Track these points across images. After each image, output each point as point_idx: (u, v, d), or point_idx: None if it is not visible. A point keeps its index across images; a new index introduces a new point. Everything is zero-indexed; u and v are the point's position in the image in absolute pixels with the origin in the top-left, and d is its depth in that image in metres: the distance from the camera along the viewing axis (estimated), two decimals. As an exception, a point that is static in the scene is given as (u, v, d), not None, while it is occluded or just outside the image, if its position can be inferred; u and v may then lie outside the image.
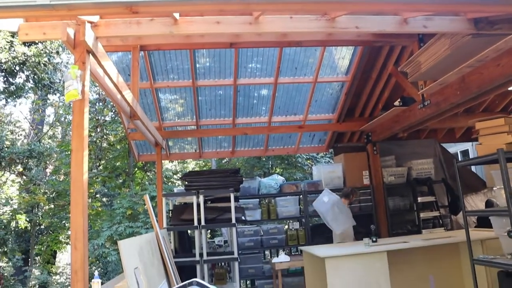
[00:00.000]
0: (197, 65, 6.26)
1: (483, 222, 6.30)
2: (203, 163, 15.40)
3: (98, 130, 13.24)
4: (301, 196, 7.41)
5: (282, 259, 6.53)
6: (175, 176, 15.02)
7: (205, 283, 1.71)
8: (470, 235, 4.34)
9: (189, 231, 6.62)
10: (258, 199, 7.46)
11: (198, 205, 5.38)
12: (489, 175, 7.01)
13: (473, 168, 9.39)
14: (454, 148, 10.53)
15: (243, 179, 6.70)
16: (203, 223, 5.34)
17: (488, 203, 7.11)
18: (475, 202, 7.71)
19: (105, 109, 13.31)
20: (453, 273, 5.44)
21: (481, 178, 8.37)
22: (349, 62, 6.51)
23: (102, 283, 3.61)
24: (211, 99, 6.93)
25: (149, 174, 14.37)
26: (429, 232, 6.19)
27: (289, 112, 7.38)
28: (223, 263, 6.62)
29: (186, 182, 5.96)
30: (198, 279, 1.72)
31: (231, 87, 6.60)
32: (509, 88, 6.19)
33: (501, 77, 4.21)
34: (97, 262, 12.25)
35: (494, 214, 4.31)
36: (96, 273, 3.53)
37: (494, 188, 4.20)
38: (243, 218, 5.95)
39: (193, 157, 10.86)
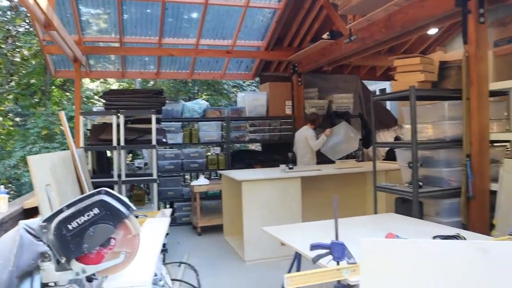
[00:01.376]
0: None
1: (391, 155, 6.83)
2: (127, 85, 14.77)
3: (10, 41, 12.01)
4: (224, 122, 7.44)
5: (201, 182, 6.65)
6: (96, 97, 14.31)
7: (114, 192, 1.69)
8: (377, 166, 4.70)
9: (108, 152, 6.46)
10: (181, 123, 7.39)
11: (118, 125, 5.21)
12: (401, 112, 7.47)
13: (388, 106, 9.97)
14: (374, 86, 11.04)
15: (167, 101, 6.55)
16: (122, 143, 5.21)
17: (397, 139, 7.68)
18: (386, 138, 8.28)
19: (18, 19, 12.02)
20: (359, 199, 5.94)
21: (393, 116, 8.93)
22: (282, -11, 6.38)
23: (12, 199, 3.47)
24: (137, 16, 6.49)
25: (68, 94, 13.52)
26: (342, 162, 6.58)
27: (218, 36, 7.18)
28: (142, 185, 6.62)
29: (106, 101, 5.72)
30: (106, 188, 1.69)
31: (158, 4, 6.21)
32: (428, 32, 6.50)
33: (424, 18, 4.37)
34: (9, 184, 11.65)
35: (399, 147, 4.68)
36: (2, 188, 3.36)
37: (403, 125, 4.50)
38: (164, 140, 5.89)
39: (115, 76, 10.37)
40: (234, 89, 13.89)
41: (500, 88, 4.07)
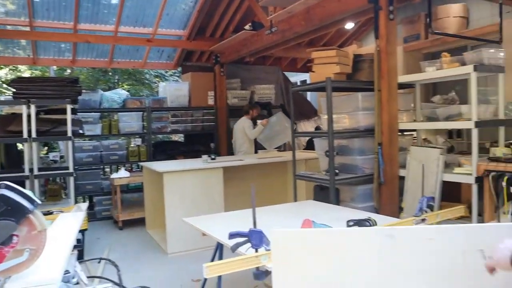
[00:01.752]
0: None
1: (311, 145, 7.07)
2: (41, 73, 13.80)
3: None
4: (145, 112, 7.24)
5: (121, 174, 6.43)
6: (5, 86, 13.21)
7: (16, 186, 1.58)
8: (297, 156, 4.85)
9: (18, 145, 6.02)
10: (99, 113, 7.07)
11: (29, 115, 4.86)
12: (320, 103, 7.75)
13: (308, 97, 10.28)
14: (295, 77, 11.31)
15: (83, 91, 6.23)
16: (34, 135, 4.88)
17: (317, 129, 7.95)
18: (306, 128, 8.54)
19: None
20: (280, 187, 6.09)
21: (314, 107, 9.24)
22: (204, -22, 6.30)
23: None
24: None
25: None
26: (264, 152, 6.70)
27: (138, 23, 6.93)
28: (58, 179, 6.26)
29: (15, 89, 5.30)
30: (7, 182, 1.58)
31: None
32: (346, 26, 6.77)
33: (340, 12, 4.55)
34: None
35: (317, 136, 4.86)
36: None
37: (321, 116, 4.66)
38: (80, 131, 5.60)
39: (25, 63, 9.60)
40: (157, 79, 13.54)
41: (408, 81, 4.36)
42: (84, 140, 7.00)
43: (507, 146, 3.90)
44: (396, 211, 4.11)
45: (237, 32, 6.59)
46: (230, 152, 7.39)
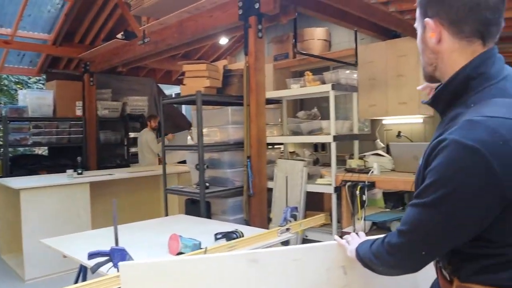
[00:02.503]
0: None
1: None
2: None
3: None
4: (0, 122, 6.49)
5: (-31, 192, 5.65)
6: None
7: None
8: (170, 169, 4.76)
9: None
10: None
11: None
12: (193, 116, 7.78)
13: (183, 110, 10.24)
14: (170, 90, 11.20)
15: None
16: None
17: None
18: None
19: None
20: (153, 202, 5.91)
21: (188, 120, 9.22)
22: (73, -20, 5.92)
23: None
24: None
25: None
26: (137, 166, 6.47)
27: (-7, 22, 6.25)
28: None
29: None
30: None
31: None
32: (220, 41, 6.92)
33: (212, 28, 4.62)
34: None
35: (187, 149, 4.84)
36: None
37: (193, 129, 4.65)
38: None
39: None
40: (18, 86, 12.31)
41: (275, 97, 4.58)
42: None
43: (360, 158, 4.31)
44: (265, 221, 4.26)
45: (109, 40, 6.31)
46: (102, 166, 6.99)
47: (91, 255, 2.17)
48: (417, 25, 1.15)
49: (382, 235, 1.26)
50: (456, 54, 1.06)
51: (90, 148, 7.10)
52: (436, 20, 1.06)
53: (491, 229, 0.98)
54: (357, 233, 1.58)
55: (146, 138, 6.77)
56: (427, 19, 1.08)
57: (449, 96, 1.08)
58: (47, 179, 5.07)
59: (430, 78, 1.17)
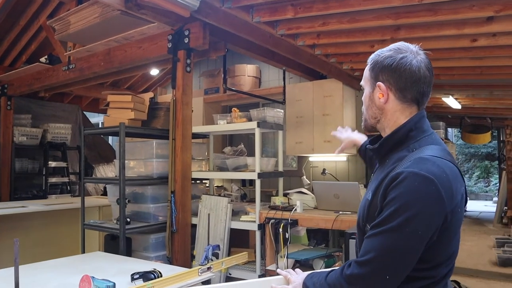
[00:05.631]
0: None
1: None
2: None
3: None
4: None
5: None
6: None
7: None
8: (91, 202, 4.51)
9: None
10: None
11: None
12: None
13: (110, 141, 9.89)
14: (97, 118, 10.81)
15: None
16: None
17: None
18: (105, 172, 8.13)
19: None
20: (73, 237, 5.51)
21: (114, 150, 8.90)
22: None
23: None
24: None
25: None
26: (56, 198, 6.07)
27: None
28: None
29: None
30: None
31: None
32: (150, 72, 6.84)
33: (141, 58, 4.54)
34: None
35: (108, 182, 4.63)
36: None
37: (115, 161, 4.47)
38: None
39: None
40: None
41: (202, 132, 4.56)
42: None
43: (285, 195, 4.36)
44: (188, 259, 4.14)
45: (32, 63, 5.99)
46: (15, 197, 6.48)
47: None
48: (365, 84, 1.38)
49: (329, 269, 1.37)
50: (398, 113, 1.31)
51: (4, 177, 6.57)
52: (386, 84, 1.30)
53: (428, 249, 1.14)
54: (294, 269, 1.61)
55: None
56: (379, 83, 1.31)
57: (393, 143, 1.31)
58: None
59: (371, 128, 1.41)
